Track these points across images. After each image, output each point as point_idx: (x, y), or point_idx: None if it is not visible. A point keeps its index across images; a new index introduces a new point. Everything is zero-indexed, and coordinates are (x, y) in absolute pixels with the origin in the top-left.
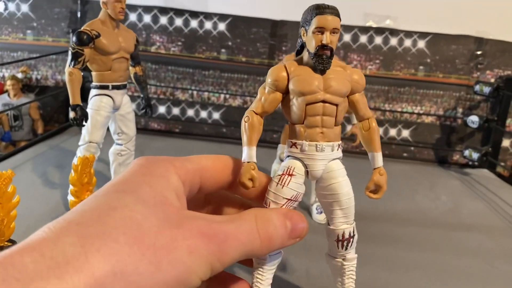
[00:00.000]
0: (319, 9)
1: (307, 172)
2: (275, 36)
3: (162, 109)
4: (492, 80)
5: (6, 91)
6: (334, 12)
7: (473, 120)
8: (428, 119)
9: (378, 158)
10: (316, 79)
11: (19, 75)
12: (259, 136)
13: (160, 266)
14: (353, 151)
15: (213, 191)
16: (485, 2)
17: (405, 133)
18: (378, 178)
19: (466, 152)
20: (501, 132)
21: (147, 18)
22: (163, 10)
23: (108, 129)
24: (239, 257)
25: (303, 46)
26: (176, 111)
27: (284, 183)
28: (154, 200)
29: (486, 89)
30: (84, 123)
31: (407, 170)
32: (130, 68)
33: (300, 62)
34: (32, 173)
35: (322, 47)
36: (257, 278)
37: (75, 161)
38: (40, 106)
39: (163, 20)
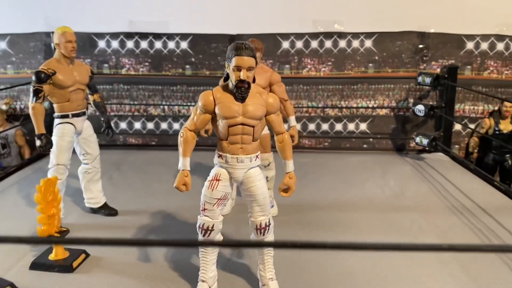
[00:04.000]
0: (237, 50)
1: (230, 178)
2: None
3: (137, 125)
4: (438, 70)
5: None
6: (250, 53)
7: (420, 109)
8: (382, 112)
9: (289, 165)
10: (236, 106)
11: (3, 107)
12: (192, 148)
13: None
14: (318, 148)
15: None
16: None
17: (363, 126)
18: (288, 181)
19: (417, 139)
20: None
21: (115, 44)
22: (129, 35)
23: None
24: None
25: (228, 74)
26: (150, 125)
27: (214, 187)
28: None
29: (428, 80)
30: (49, 149)
31: (364, 161)
32: (89, 96)
33: (225, 88)
34: (17, 196)
35: (240, 81)
36: (202, 258)
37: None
38: (26, 133)
39: (130, 44)
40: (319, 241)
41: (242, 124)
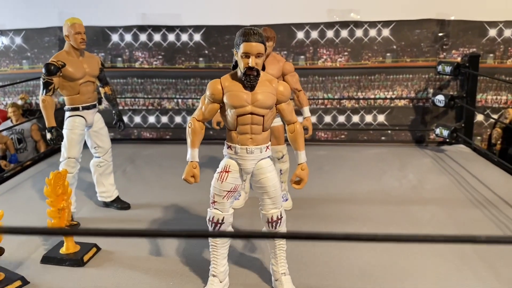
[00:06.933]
0: (245, 36)
1: (240, 169)
2: None
3: (152, 119)
4: (459, 59)
5: (9, 117)
6: (259, 39)
7: (440, 99)
8: (401, 103)
9: (301, 156)
10: (245, 94)
11: (19, 102)
12: (201, 139)
13: None
14: (334, 140)
15: None
16: None
17: (381, 118)
18: (300, 173)
19: (437, 131)
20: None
21: (128, 37)
22: (142, 28)
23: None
24: None
25: (237, 62)
26: (164, 119)
27: (223, 179)
28: None
29: (448, 69)
30: (60, 142)
31: (382, 153)
32: (100, 89)
33: (234, 76)
34: (31, 190)
35: (249, 68)
36: (213, 252)
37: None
38: (41, 128)
39: (143, 37)
40: (329, 232)
41: (251, 113)
